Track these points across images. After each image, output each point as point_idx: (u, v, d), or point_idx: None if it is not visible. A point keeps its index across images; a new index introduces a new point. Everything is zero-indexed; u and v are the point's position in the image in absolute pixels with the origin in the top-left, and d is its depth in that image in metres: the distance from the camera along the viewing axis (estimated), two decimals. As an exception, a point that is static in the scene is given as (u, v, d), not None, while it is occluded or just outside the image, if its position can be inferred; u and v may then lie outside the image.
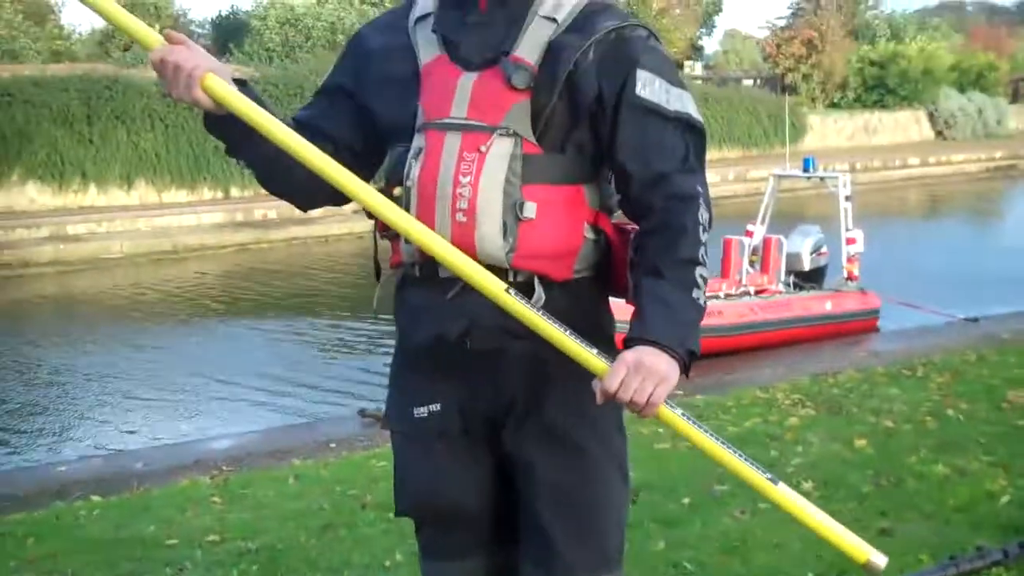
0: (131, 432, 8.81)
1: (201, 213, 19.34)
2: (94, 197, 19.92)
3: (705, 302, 1.97)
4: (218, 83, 1.90)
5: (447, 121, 1.98)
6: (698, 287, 1.95)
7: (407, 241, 1.99)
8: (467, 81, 1.99)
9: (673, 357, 1.89)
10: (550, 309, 1.95)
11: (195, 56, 1.90)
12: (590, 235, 2.03)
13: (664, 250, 1.96)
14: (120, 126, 20.06)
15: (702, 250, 1.97)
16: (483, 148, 1.95)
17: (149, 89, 20.54)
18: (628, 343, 1.90)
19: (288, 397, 9.66)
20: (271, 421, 9.00)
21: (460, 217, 1.94)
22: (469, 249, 1.94)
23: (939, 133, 36.71)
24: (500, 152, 1.95)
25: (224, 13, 36.72)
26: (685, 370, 1.93)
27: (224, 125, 1.97)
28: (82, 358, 11.25)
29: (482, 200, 1.94)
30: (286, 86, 22.30)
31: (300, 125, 2.03)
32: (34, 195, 19.30)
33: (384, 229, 2.05)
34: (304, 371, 10.51)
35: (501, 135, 1.96)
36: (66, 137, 19.44)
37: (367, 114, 2.08)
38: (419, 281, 2.04)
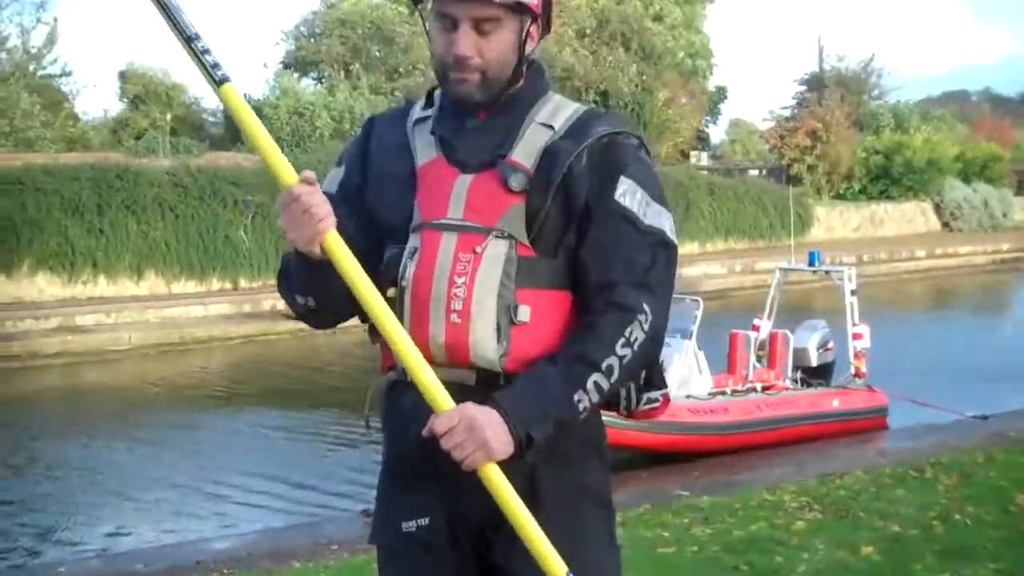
0: (130, 532, 8.73)
1: (209, 304, 19.41)
2: (104, 287, 20.00)
3: (585, 409, 1.93)
4: (338, 243, 1.90)
5: (443, 222, 1.99)
6: (585, 392, 1.91)
7: None
8: (463, 183, 2.01)
9: (511, 434, 1.87)
10: None
11: (325, 206, 1.90)
12: None
13: (576, 345, 1.94)
14: (131, 216, 20.21)
15: (612, 361, 1.93)
16: (479, 249, 1.96)
17: (160, 179, 20.78)
18: (489, 399, 1.90)
19: (291, 495, 9.57)
20: (273, 519, 8.92)
21: (454, 318, 1.95)
22: (462, 350, 1.95)
23: (945, 224, 36.83)
24: (495, 254, 1.96)
25: (236, 102, 37.12)
26: (520, 451, 1.89)
27: (313, 267, 1.95)
28: (81, 451, 11.20)
29: (477, 302, 1.95)
30: (296, 172, 22.42)
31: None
32: (44, 285, 19.39)
33: (375, 335, 2.04)
34: (307, 468, 10.43)
35: (497, 237, 1.97)
36: (77, 226, 19.58)
37: (370, 212, 2.10)
38: (410, 386, 2.00)
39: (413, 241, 2.01)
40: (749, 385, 11.10)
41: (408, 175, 2.06)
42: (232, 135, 32.82)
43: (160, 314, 18.70)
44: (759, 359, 11.46)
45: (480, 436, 1.86)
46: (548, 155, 2.00)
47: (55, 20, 30.17)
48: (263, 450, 11.22)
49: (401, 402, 2.05)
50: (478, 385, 1.97)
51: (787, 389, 11.24)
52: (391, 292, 1.98)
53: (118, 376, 15.59)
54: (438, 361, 1.97)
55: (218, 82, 1.90)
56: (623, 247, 1.99)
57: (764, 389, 11.10)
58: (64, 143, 26.50)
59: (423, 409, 1.95)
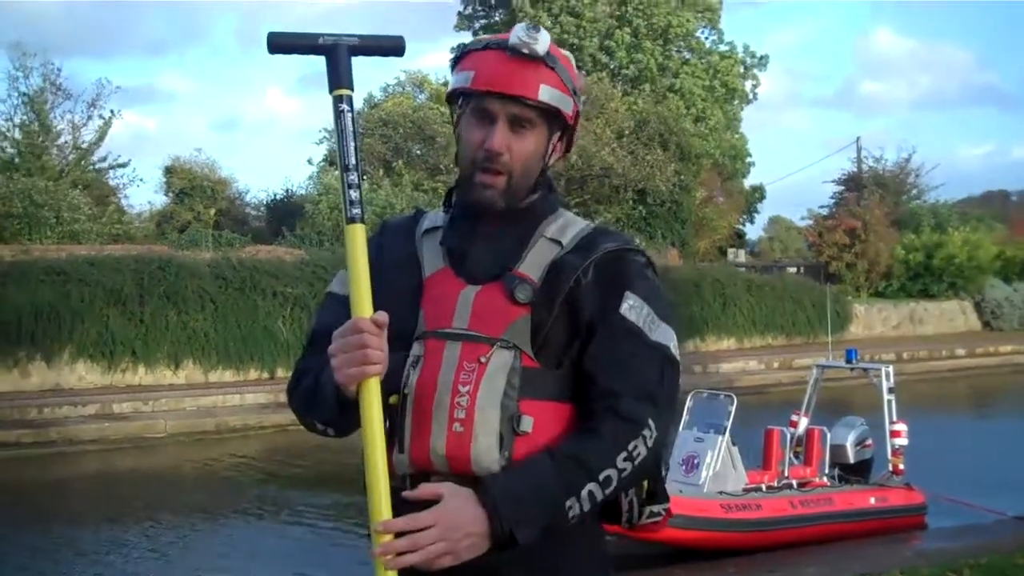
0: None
1: (246, 393, 19.50)
2: (142, 376, 20.18)
3: (574, 517, 1.89)
4: (375, 393, 1.88)
5: (448, 331, 2.01)
6: (577, 499, 1.88)
7: (399, 451, 1.98)
8: (469, 293, 2.04)
9: (489, 536, 1.83)
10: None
11: (382, 353, 1.88)
12: None
13: (572, 446, 1.92)
14: (171, 306, 20.46)
15: (611, 473, 1.90)
16: (483, 359, 1.97)
17: (201, 270, 21.07)
18: (478, 485, 1.86)
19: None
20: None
21: (457, 427, 1.94)
22: (463, 460, 1.94)
23: (986, 323, 36.48)
24: (500, 364, 1.97)
25: (279, 196, 37.81)
26: (497, 546, 1.84)
27: (348, 407, 1.93)
28: (114, 537, 11.18)
29: (480, 411, 1.94)
30: (334, 267, 22.71)
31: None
32: (83, 373, 19.60)
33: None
34: (340, 563, 10.34)
35: (501, 347, 1.97)
36: (117, 316, 19.84)
37: None
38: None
39: (416, 349, 2.02)
40: (785, 481, 10.95)
41: (416, 286, 2.09)
42: (273, 228, 33.31)
43: (196, 402, 18.81)
44: (796, 455, 11.32)
45: (454, 542, 1.83)
46: (555, 269, 2.04)
47: (112, 114, 30.86)
48: (297, 541, 11.14)
49: (401, 512, 1.96)
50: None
51: (823, 486, 11.08)
52: (392, 399, 1.98)
53: (154, 463, 15.63)
54: (438, 470, 1.96)
55: (349, 219, 1.94)
56: (629, 360, 2.00)
57: (800, 486, 10.95)
58: (109, 236, 26.97)
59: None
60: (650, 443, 1.93)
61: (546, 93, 2.05)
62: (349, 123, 1.97)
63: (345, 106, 1.97)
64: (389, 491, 1.87)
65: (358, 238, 1.94)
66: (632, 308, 2.03)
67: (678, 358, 2.06)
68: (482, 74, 2.06)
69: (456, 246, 2.11)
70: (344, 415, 1.95)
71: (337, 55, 1.99)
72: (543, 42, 2.04)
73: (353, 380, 1.87)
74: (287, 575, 9.91)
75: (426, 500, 1.88)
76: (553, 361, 2.01)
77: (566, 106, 2.10)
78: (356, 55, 2.02)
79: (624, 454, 1.90)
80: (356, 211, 1.94)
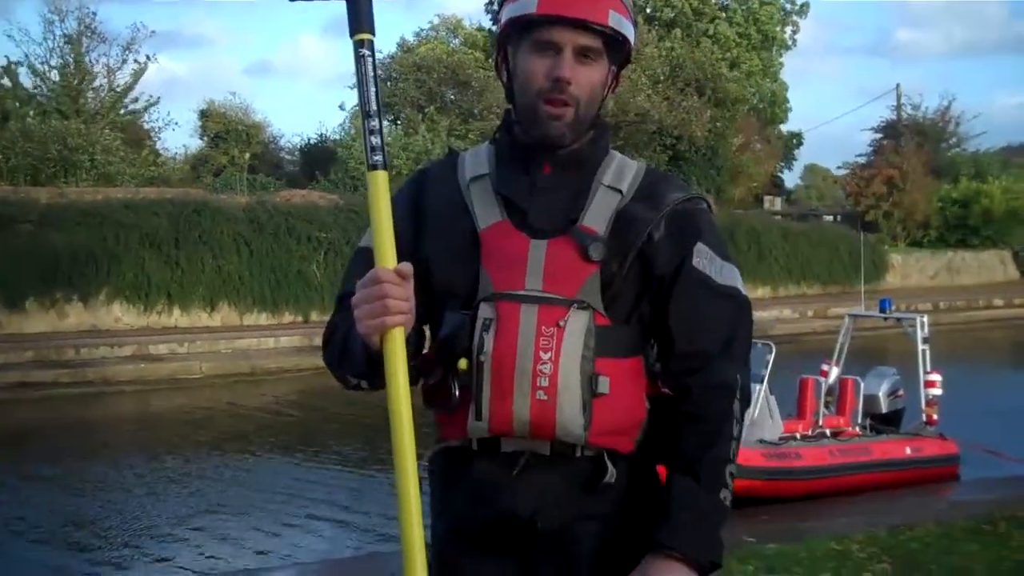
0: (192, 556, 8.80)
1: (280, 336, 19.63)
2: (177, 318, 20.39)
3: (731, 501, 1.95)
4: (399, 344, 1.82)
5: (522, 293, 1.93)
6: (727, 487, 1.94)
7: (477, 418, 1.93)
8: (538, 251, 1.95)
9: (696, 569, 1.88)
10: (616, 485, 1.93)
11: (405, 303, 1.82)
12: (648, 406, 2.01)
13: (698, 446, 1.94)
14: (206, 250, 20.59)
15: (734, 446, 1.96)
16: (561, 323, 1.91)
17: (236, 214, 21.18)
18: (657, 547, 1.88)
19: (358, 523, 9.58)
20: (337, 549, 8.93)
21: (541, 395, 1.90)
22: (548, 427, 1.91)
23: (1024, 274, 36.14)
24: (577, 326, 1.92)
25: (312, 141, 37.79)
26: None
27: (378, 361, 1.86)
28: (148, 475, 11.34)
29: (563, 377, 1.90)
30: (368, 212, 22.69)
31: None
32: (119, 314, 19.82)
33: (439, 401, 1.98)
34: (372, 499, 10.45)
35: (578, 308, 1.92)
36: (153, 259, 20.02)
37: (422, 270, 1.99)
38: (477, 455, 1.97)
39: (486, 311, 1.93)
40: (819, 431, 10.92)
41: (468, 237, 1.99)
42: (307, 173, 33.33)
43: (232, 345, 18.99)
44: (827, 405, 11.28)
45: None
46: (622, 221, 1.98)
47: (147, 59, 30.90)
48: (330, 480, 11.26)
49: (471, 472, 1.99)
50: (553, 455, 1.95)
51: (858, 435, 11.04)
52: (462, 364, 1.92)
53: (191, 404, 15.82)
54: (518, 434, 1.93)
55: (371, 165, 1.89)
56: (707, 316, 1.99)
57: (834, 435, 10.92)
58: (144, 178, 27.09)
59: (498, 478, 1.95)
60: (741, 398, 1.99)
61: (614, 19, 1.96)
62: (370, 68, 1.89)
63: (366, 51, 1.89)
64: (415, 459, 1.82)
65: (380, 185, 1.88)
66: (703, 259, 2.00)
67: (747, 295, 2.07)
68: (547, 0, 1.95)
69: (512, 195, 2.01)
70: (374, 369, 1.87)
71: None
72: None
73: (375, 331, 1.81)
74: (323, 508, 10.01)
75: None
76: (623, 316, 1.98)
77: (631, 34, 2.01)
78: None
79: (734, 420, 1.96)
80: (378, 158, 1.89)
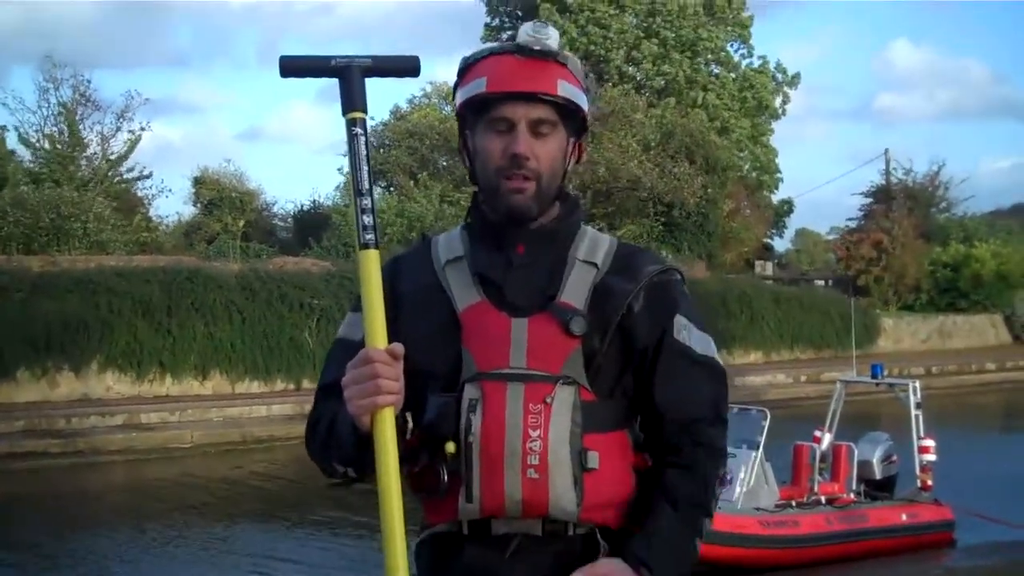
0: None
1: (272, 404, 19.54)
2: (169, 386, 20.28)
3: (695, 553, 1.98)
4: (390, 425, 1.82)
5: (506, 372, 1.93)
6: (700, 537, 1.98)
7: (467, 500, 1.92)
8: (520, 328, 1.95)
9: None
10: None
11: (396, 383, 1.82)
12: (635, 479, 2.02)
13: (686, 489, 1.98)
14: (198, 317, 20.55)
15: (714, 504, 2.01)
16: (548, 399, 1.91)
17: (229, 281, 21.15)
18: (627, 555, 1.91)
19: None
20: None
21: (532, 474, 1.89)
22: (541, 505, 1.90)
23: (1016, 337, 36.16)
24: (564, 402, 1.91)
25: (306, 207, 37.93)
26: None
27: (367, 442, 1.86)
28: (135, 545, 11.21)
29: (553, 454, 1.89)
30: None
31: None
32: (111, 383, 19.70)
33: (427, 487, 1.96)
34: (365, 570, 10.32)
35: (563, 384, 1.92)
36: (146, 327, 19.94)
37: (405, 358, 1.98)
38: (468, 540, 1.96)
39: (471, 392, 1.92)
40: (815, 497, 10.87)
41: (447, 319, 1.99)
42: (300, 239, 33.39)
43: (223, 413, 18.87)
44: (821, 471, 11.23)
45: None
46: (600, 294, 1.99)
47: (142, 128, 31.09)
48: (324, 547, 11.14)
49: (463, 557, 1.97)
50: (545, 535, 1.94)
51: (853, 502, 11.00)
52: (450, 447, 1.91)
53: (181, 473, 15.67)
54: (510, 514, 1.93)
55: (363, 244, 1.90)
56: (693, 387, 2.03)
57: (829, 502, 10.88)
58: (137, 245, 27.12)
59: (491, 561, 1.94)
60: (725, 459, 2.06)
61: (565, 88, 1.99)
62: (363, 147, 1.91)
63: (359, 130, 1.92)
64: (404, 536, 1.82)
65: (372, 264, 1.89)
66: (680, 330, 2.04)
67: (721, 363, 2.11)
68: (495, 77, 1.99)
69: (489, 274, 2.02)
70: (362, 452, 1.87)
71: (350, 77, 1.94)
72: (554, 37, 1.99)
73: (366, 411, 1.81)
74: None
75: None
76: (606, 390, 1.98)
77: (583, 103, 2.04)
78: (370, 76, 1.96)
79: (718, 482, 2.03)
80: (370, 237, 1.89)
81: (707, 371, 2.06)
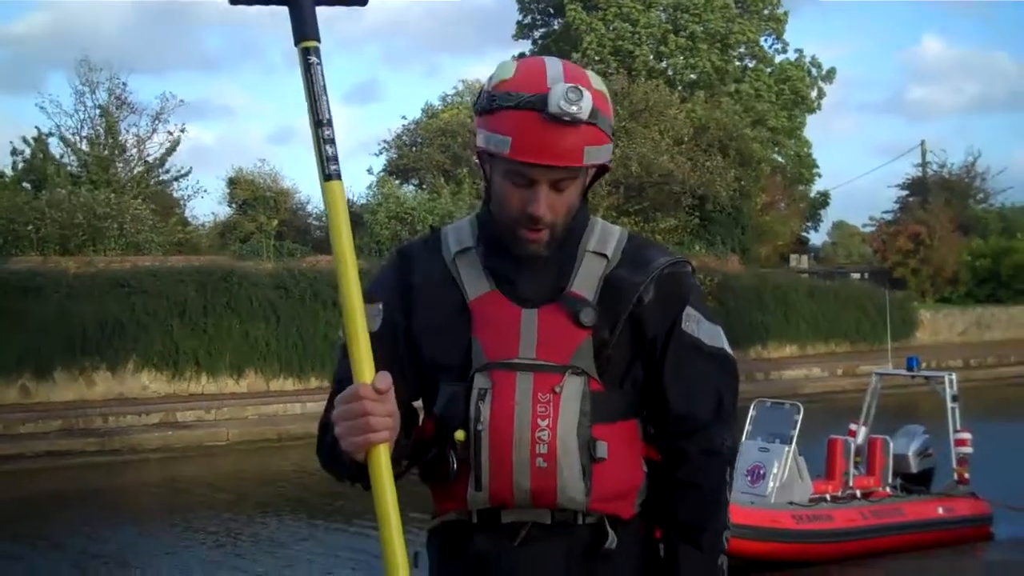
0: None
1: (307, 402, 19.61)
2: (205, 385, 20.45)
3: (725, 566, 2.00)
4: (384, 460, 1.79)
5: (516, 361, 1.93)
6: (724, 551, 1.99)
7: (476, 489, 1.92)
8: (530, 319, 1.96)
9: None
10: (617, 552, 1.93)
11: (386, 419, 1.79)
12: (645, 469, 2.02)
13: (700, 516, 1.99)
14: (233, 316, 20.70)
15: (728, 512, 2.03)
16: (557, 389, 1.91)
17: (263, 281, 21.30)
18: None
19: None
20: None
21: (540, 463, 1.90)
22: (549, 494, 1.91)
23: (1057, 329, 35.70)
24: (573, 392, 1.92)
25: (339, 207, 38.02)
26: None
27: (365, 470, 1.85)
28: (173, 544, 11.30)
29: (562, 443, 1.90)
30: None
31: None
32: (147, 382, 19.89)
33: (437, 475, 1.96)
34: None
35: (572, 374, 1.93)
36: (181, 326, 20.12)
37: (417, 350, 2.02)
38: (477, 529, 1.97)
39: (481, 381, 1.93)
40: (849, 491, 10.78)
41: (458, 309, 1.99)
42: (334, 238, 33.49)
43: (258, 411, 19.01)
44: (856, 465, 11.14)
45: None
46: (611, 286, 1.99)
47: (181, 131, 31.31)
48: (358, 545, 11.17)
49: (472, 545, 1.99)
50: (554, 524, 1.95)
51: (888, 496, 10.90)
52: (459, 435, 1.91)
53: (216, 472, 15.80)
54: (518, 503, 1.93)
55: (326, 176, 1.86)
56: (700, 379, 2.02)
57: (865, 496, 10.78)
58: (172, 245, 27.32)
59: (501, 549, 1.94)
60: (733, 456, 2.07)
61: (590, 155, 1.94)
62: (320, 76, 1.87)
63: (314, 58, 1.88)
64: (408, 565, 1.79)
65: (338, 196, 1.87)
66: (690, 322, 2.03)
67: (732, 354, 2.09)
68: (520, 143, 1.90)
69: (499, 266, 2.01)
70: (362, 473, 1.85)
71: (301, 4, 1.91)
72: (586, 105, 1.87)
73: (359, 449, 1.79)
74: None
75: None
76: (616, 381, 1.99)
77: (608, 155, 1.99)
78: (320, 4, 1.94)
79: (727, 486, 2.03)
80: (335, 167, 1.87)
81: (716, 362, 2.05)
